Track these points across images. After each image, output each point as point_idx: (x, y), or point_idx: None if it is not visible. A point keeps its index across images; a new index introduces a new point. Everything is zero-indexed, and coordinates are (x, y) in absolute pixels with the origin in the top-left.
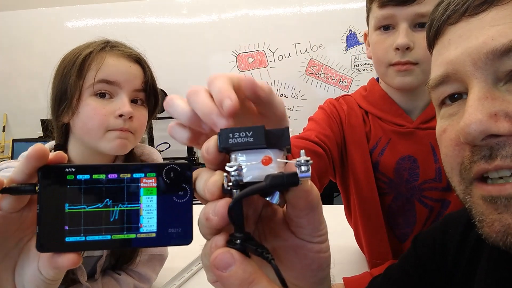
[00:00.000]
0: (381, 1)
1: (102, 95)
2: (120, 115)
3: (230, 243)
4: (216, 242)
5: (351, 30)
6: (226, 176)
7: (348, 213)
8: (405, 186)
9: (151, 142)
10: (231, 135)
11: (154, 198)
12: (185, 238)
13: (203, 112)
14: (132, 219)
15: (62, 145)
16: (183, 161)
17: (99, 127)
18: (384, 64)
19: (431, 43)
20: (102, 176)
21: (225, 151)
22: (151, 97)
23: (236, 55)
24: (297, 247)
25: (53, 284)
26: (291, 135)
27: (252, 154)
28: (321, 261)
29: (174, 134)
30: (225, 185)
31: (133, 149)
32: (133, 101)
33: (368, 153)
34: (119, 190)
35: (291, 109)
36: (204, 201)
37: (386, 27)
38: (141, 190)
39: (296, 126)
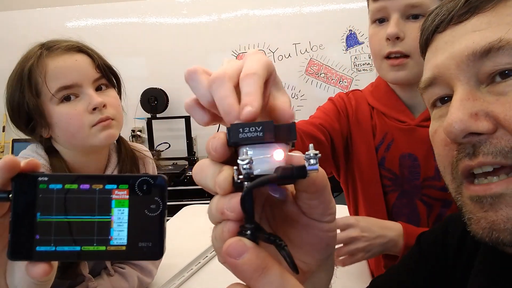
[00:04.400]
0: None
1: (67, 98)
2: (94, 109)
3: (240, 234)
4: (229, 227)
5: (351, 30)
6: (237, 169)
7: (352, 210)
8: (408, 184)
9: (151, 142)
10: (241, 129)
11: (126, 210)
12: (156, 253)
13: (223, 109)
14: (102, 231)
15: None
16: (159, 174)
17: (80, 127)
18: (379, 57)
19: (423, 51)
20: (75, 186)
21: (234, 146)
22: (110, 76)
23: (236, 55)
24: (308, 227)
25: (44, 285)
26: None
27: (261, 148)
28: (329, 240)
29: (192, 115)
30: (236, 178)
31: (124, 143)
32: (98, 88)
33: (374, 149)
34: (90, 201)
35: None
36: (209, 190)
37: (381, 20)
38: (113, 202)
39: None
